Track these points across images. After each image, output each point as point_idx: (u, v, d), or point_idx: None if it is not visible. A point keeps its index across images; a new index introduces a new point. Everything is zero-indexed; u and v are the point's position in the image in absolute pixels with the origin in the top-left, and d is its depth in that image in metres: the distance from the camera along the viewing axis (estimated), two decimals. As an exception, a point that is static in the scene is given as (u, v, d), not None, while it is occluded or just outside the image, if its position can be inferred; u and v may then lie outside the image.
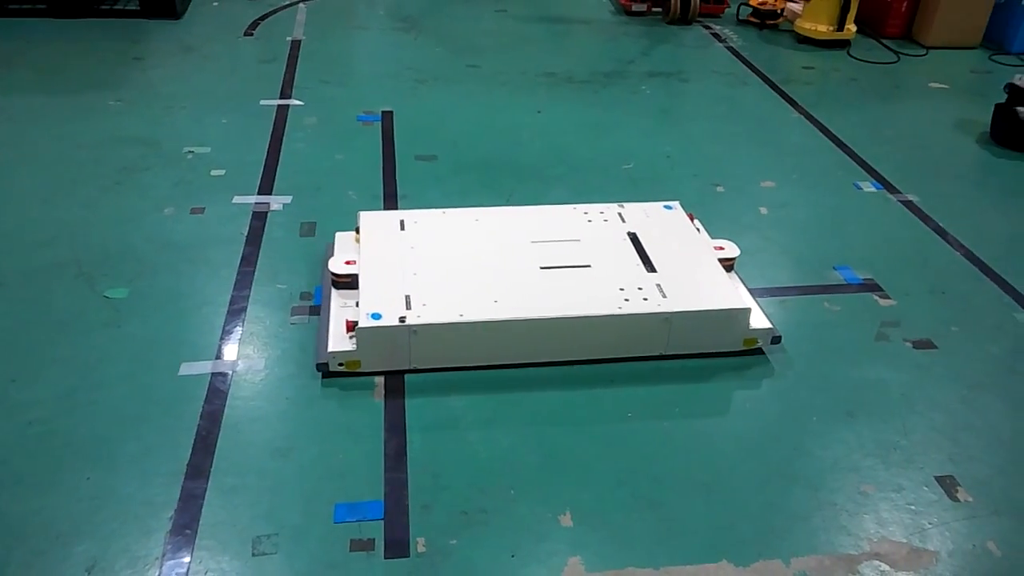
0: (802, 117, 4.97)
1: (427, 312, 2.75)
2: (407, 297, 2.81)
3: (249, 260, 3.34)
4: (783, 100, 5.21)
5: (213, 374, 2.75)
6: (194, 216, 3.62)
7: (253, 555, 2.17)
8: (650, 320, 2.84)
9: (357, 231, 3.24)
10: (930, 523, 2.36)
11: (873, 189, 4.18)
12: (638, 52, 5.94)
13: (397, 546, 2.21)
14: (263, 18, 6.14)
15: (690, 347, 2.91)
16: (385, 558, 2.17)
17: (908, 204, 4.05)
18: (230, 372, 2.76)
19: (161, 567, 2.12)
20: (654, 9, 6.66)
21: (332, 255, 3.13)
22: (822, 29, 6.08)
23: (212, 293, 3.14)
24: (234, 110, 4.62)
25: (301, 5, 6.46)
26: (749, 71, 5.65)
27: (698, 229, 3.36)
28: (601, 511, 2.34)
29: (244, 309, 3.06)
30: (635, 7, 6.64)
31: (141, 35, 5.66)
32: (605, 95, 5.15)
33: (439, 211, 3.34)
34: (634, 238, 3.21)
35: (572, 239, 3.18)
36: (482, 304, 2.80)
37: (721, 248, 3.23)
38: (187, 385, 2.70)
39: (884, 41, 6.31)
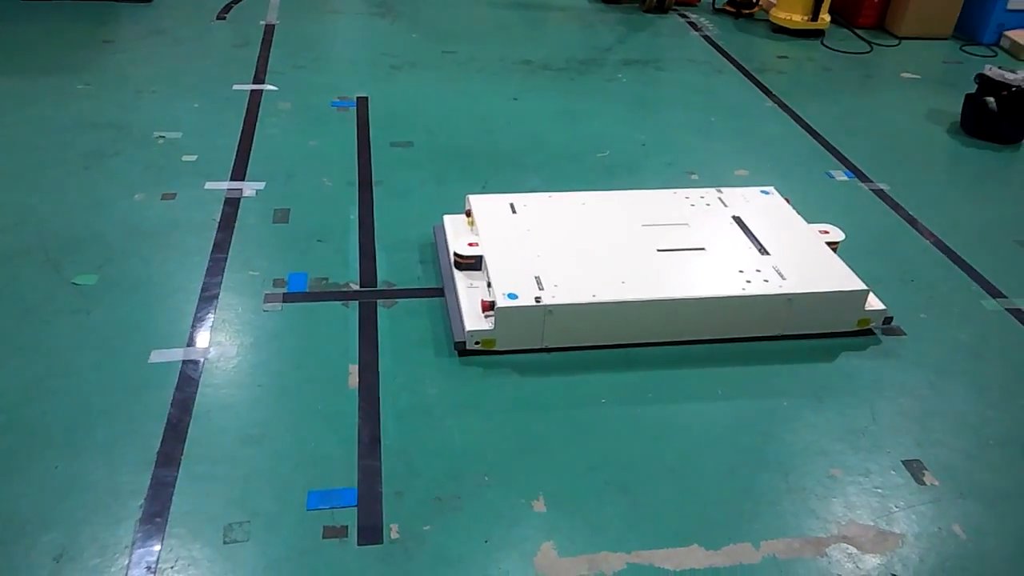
0: (776, 106, 5.00)
1: (560, 293, 2.83)
2: (537, 278, 2.87)
3: (221, 247, 3.30)
4: (757, 89, 5.23)
5: (184, 361, 2.72)
6: (165, 202, 3.57)
7: (225, 543, 2.15)
8: (773, 301, 2.93)
9: (467, 214, 3.32)
10: (897, 506, 2.40)
11: (845, 178, 4.22)
12: (614, 40, 5.93)
13: (370, 532, 2.20)
14: (236, 1, 6.06)
15: (808, 327, 3.01)
16: (358, 544, 2.17)
17: (879, 193, 4.09)
18: (202, 359, 2.74)
19: (131, 555, 2.10)
20: (631, -3, 6.66)
21: (444, 237, 3.22)
22: (796, 19, 6.11)
23: (183, 280, 3.10)
24: (206, 95, 4.56)
25: (275, -11, 6.38)
26: (724, 60, 5.67)
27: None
28: (574, 496, 2.35)
29: (216, 296, 3.03)
30: (612, -5, 6.63)
31: (111, 18, 5.57)
32: (581, 83, 5.15)
33: (545, 195, 3.43)
34: (740, 222, 3.30)
35: (681, 223, 3.27)
36: (611, 285, 2.88)
37: (826, 232, 3.31)
38: (158, 372, 2.67)
39: (857, 31, 6.36)
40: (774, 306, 2.95)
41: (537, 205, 3.34)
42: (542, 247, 3.06)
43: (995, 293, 3.37)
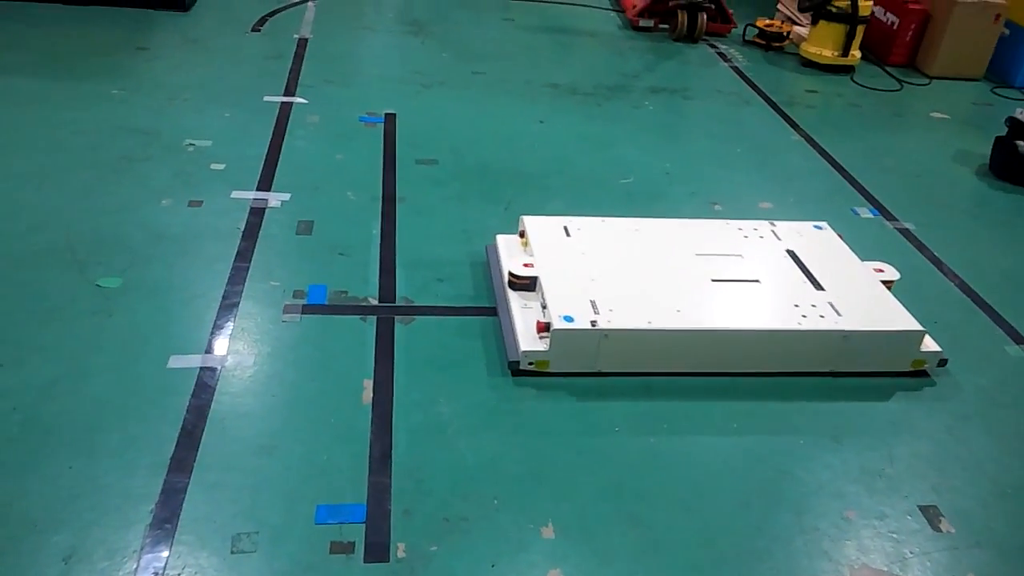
0: (803, 140, 4.99)
1: (616, 318, 2.84)
2: (592, 302, 2.88)
3: (244, 256, 3.33)
4: (785, 122, 5.23)
5: (201, 368, 2.74)
6: (191, 209, 3.61)
7: (232, 553, 2.15)
8: (828, 337, 2.92)
9: (521, 235, 3.36)
10: (911, 552, 2.36)
11: (870, 215, 4.20)
12: (643, 67, 5.96)
13: (377, 550, 2.20)
14: (272, 15, 6.15)
15: (861, 366, 2.99)
16: (364, 562, 2.16)
17: (905, 232, 4.06)
18: (219, 367, 2.75)
19: (139, 560, 2.11)
20: (661, 25, 6.68)
21: (497, 257, 3.27)
22: (827, 54, 6.11)
23: (205, 287, 3.13)
24: (237, 105, 4.62)
25: (310, 4, 6.47)
26: (752, 92, 5.68)
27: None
28: (583, 525, 2.33)
29: (236, 304, 3.05)
30: (642, 23, 6.67)
31: (148, 25, 5.66)
32: (608, 108, 5.16)
33: (599, 219, 3.45)
34: (793, 255, 3.30)
35: (734, 254, 3.28)
36: (666, 312, 2.89)
37: (880, 270, 3.30)
38: (175, 378, 2.68)
39: (888, 69, 6.34)
40: (829, 343, 2.93)
41: (591, 228, 3.36)
42: (597, 271, 3.07)
43: (1019, 339, 3.33)
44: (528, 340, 2.85)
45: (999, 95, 6.09)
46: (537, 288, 3.03)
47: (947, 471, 2.65)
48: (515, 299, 3.04)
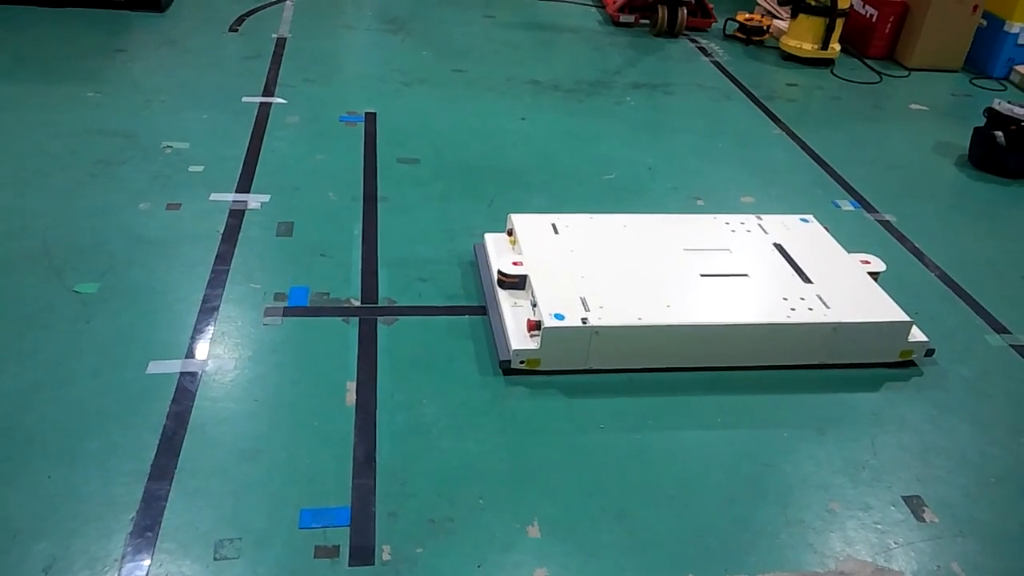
0: (784, 134, 5.00)
1: (606, 314, 2.84)
2: (582, 299, 2.88)
3: (224, 258, 3.30)
4: (766, 116, 5.24)
5: (182, 373, 2.71)
6: (170, 212, 3.58)
7: (215, 559, 2.13)
8: (818, 330, 2.93)
9: (509, 233, 3.35)
10: (896, 543, 2.37)
11: (851, 208, 4.21)
12: (624, 63, 5.95)
13: (362, 553, 2.18)
14: (249, 14, 6.10)
15: (849, 357, 3.01)
16: (349, 566, 2.15)
17: (885, 224, 4.08)
18: (199, 372, 2.72)
19: (120, 569, 2.08)
20: (642, 21, 6.68)
21: (486, 256, 3.25)
22: (807, 47, 6.13)
23: (184, 291, 3.10)
24: (215, 106, 4.58)
25: (288, 2, 6.42)
26: (733, 86, 5.69)
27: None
28: (569, 522, 2.33)
29: (216, 308, 3.02)
30: (623, 18, 6.66)
31: (124, 27, 5.60)
32: (589, 104, 5.16)
33: (587, 216, 3.44)
34: (781, 249, 3.31)
35: (722, 248, 3.28)
36: (656, 308, 2.90)
37: (867, 262, 3.31)
38: (155, 384, 2.66)
39: (868, 61, 6.37)
40: (819, 335, 2.95)
41: (579, 226, 3.36)
42: (586, 268, 3.07)
43: (1000, 328, 3.35)
44: (519, 339, 2.84)
45: (977, 86, 6.13)
46: (527, 286, 3.03)
47: (930, 461, 2.67)
48: (505, 298, 3.03)
